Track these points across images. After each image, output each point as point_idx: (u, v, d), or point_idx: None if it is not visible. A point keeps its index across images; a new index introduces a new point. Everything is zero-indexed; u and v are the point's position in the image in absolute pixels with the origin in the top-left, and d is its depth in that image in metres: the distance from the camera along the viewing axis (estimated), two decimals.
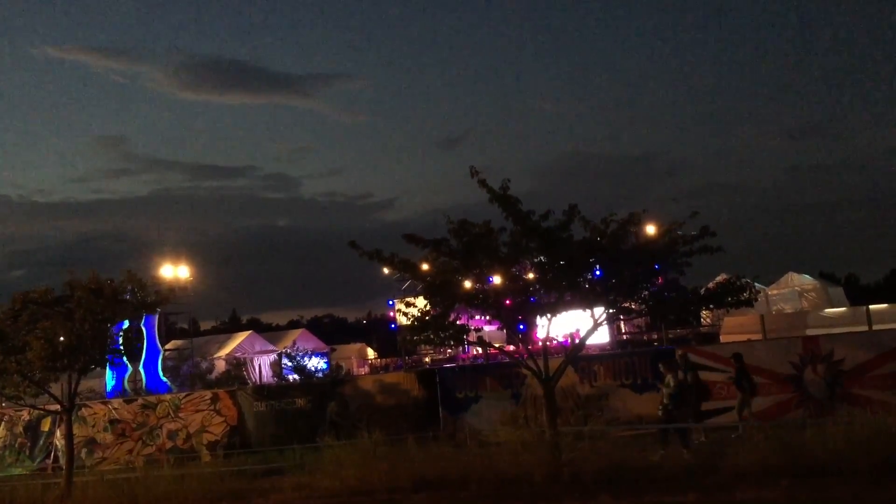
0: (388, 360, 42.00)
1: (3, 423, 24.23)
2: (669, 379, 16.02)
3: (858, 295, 47.11)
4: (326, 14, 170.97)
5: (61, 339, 16.41)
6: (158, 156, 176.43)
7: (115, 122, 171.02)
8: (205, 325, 70.34)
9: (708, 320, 33.31)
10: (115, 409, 23.32)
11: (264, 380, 36.67)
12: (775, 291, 38.36)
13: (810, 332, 24.78)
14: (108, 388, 30.03)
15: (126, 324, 23.96)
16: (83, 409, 23.11)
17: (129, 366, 29.77)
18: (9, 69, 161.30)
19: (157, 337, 31.30)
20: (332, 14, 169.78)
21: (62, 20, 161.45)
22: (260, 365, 39.66)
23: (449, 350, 34.54)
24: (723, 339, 26.98)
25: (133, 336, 28.04)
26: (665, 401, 15.94)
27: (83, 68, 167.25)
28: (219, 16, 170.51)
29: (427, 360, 37.04)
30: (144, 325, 29.39)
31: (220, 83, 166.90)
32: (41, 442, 23.58)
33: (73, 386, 17.62)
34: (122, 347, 19.75)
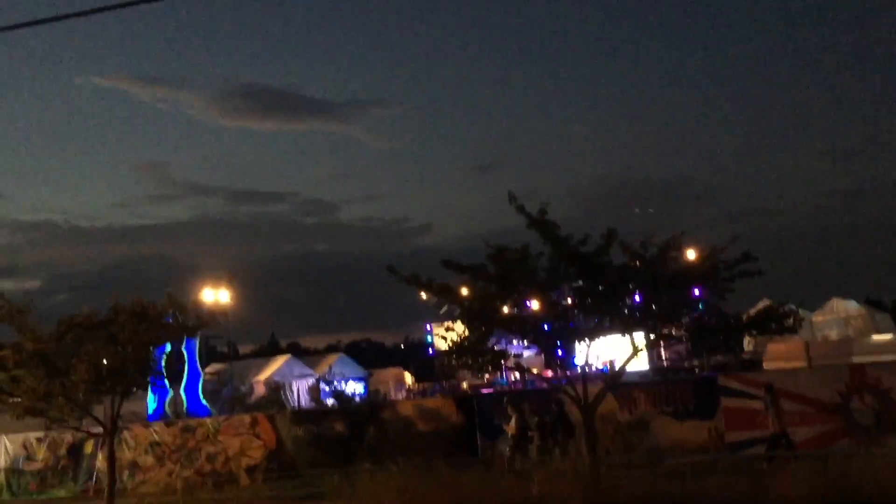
0: (426, 384, 41.88)
1: (45, 444, 24.59)
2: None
3: None
4: (362, 41, 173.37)
5: (105, 362, 16.65)
6: (199, 181, 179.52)
7: (157, 149, 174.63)
8: (244, 349, 70.84)
9: (750, 347, 32.73)
10: (156, 431, 23.54)
11: (302, 404, 36.79)
12: (819, 318, 37.64)
13: (856, 359, 24.23)
14: (150, 410, 30.33)
15: (168, 347, 24.28)
16: (125, 432, 23.35)
17: (170, 389, 30.08)
18: (54, 99, 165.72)
19: (197, 360, 31.58)
20: (368, 41, 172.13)
21: (105, 50, 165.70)
22: (298, 389, 39.82)
23: (487, 375, 34.35)
24: (766, 366, 26.52)
25: (175, 359, 28.38)
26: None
27: (126, 96, 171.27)
28: (258, 44, 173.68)
29: (465, 385, 36.88)
30: (185, 348, 29.69)
31: (260, 110, 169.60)
32: (84, 464, 23.83)
33: (115, 409, 17.84)
34: (164, 370, 19.97)
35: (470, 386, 35.68)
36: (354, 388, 39.56)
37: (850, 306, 38.26)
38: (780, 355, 27.03)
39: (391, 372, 47.55)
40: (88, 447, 23.87)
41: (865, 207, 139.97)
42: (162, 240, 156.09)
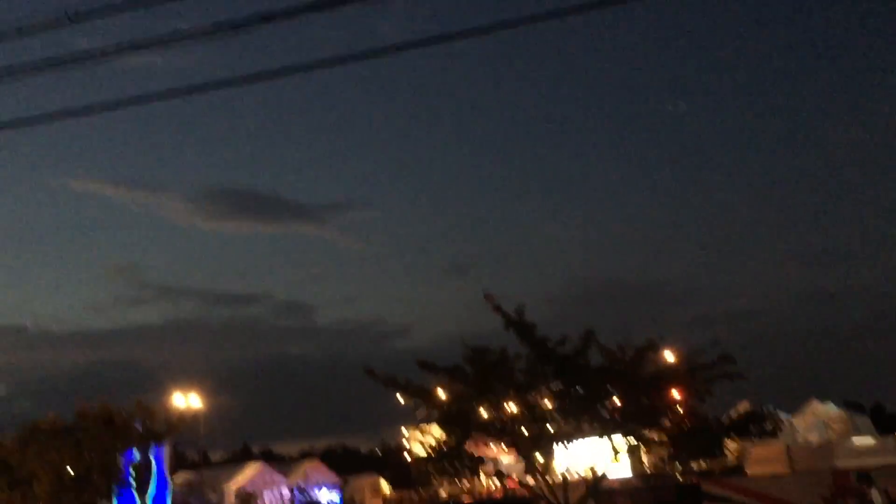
0: (403, 492, 40.73)
1: None
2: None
3: (886, 424, 45.76)
4: (336, 145, 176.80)
5: (69, 470, 16.10)
6: (172, 284, 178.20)
7: (131, 251, 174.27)
8: (215, 456, 68.80)
9: (734, 454, 32.27)
10: None
11: None
12: (800, 421, 37.45)
13: (839, 463, 23.96)
14: None
15: (136, 455, 23.51)
16: None
17: (137, 499, 29.01)
18: (27, 201, 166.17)
19: (166, 468, 30.59)
20: (343, 145, 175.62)
21: (79, 153, 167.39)
22: (270, 500, 38.55)
23: (466, 482, 33.48)
24: (749, 471, 26.11)
25: (142, 467, 27.48)
26: None
27: (100, 198, 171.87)
28: (233, 147, 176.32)
29: (443, 492, 35.89)
30: (154, 455, 28.79)
31: (234, 212, 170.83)
32: None
33: None
34: (131, 478, 19.31)
35: (449, 494, 34.73)
36: (329, 496, 38.35)
37: (830, 409, 38.17)
38: (763, 459, 26.66)
39: (367, 480, 46.22)
40: None
41: (841, 310, 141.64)
42: (133, 344, 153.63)
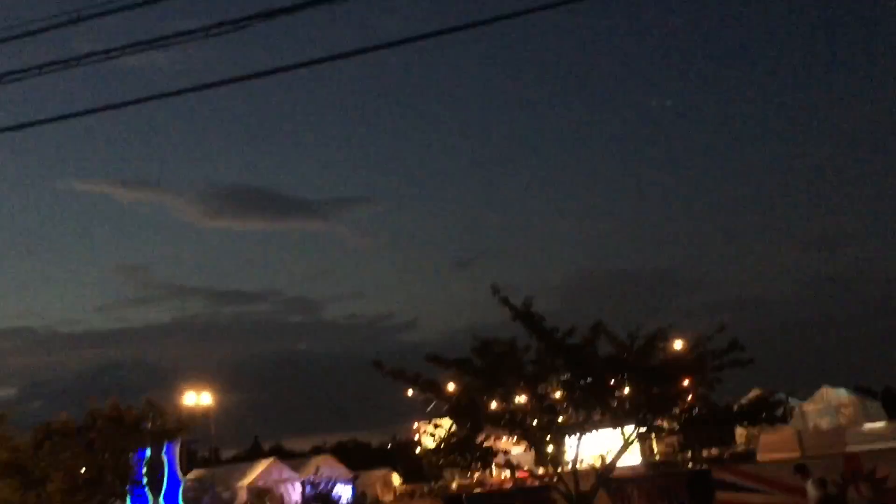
0: (414, 485, 40.86)
1: None
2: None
3: None
4: (342, 141, 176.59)
5: (82, 470, 16.18)
6: (180, 282, 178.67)
7: (138, 251, 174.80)
8: (226, 454, 69.03)
9: (743, 440, 32.33)
10: None
11: None
12: (811, 407, 37.46)
13: (850, 448, 23.95)
14: None
15: (149, 453, 23.64)
16: None
17: (150, 498, 29.15)
18: (34, 203, 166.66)
19: (177, 466, 30.73)
20: (348, 141, 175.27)
21: (86, 154, 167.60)
22: (282, 494, 38.70)
23: (477, 474, 33.60)
24: (760, 457, 26.11)
25: (154, 466, 27.61)
26: None
27: (107, 199, 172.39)
28: (239, 144, 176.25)
29: (454, 485, 36.00)
30: (165, 454, 28.93)
31: (241, 210, 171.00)
32: None
33: None
34: (144, 478, 19.41)
35: (459, 486, 34.84)
36: (341, 491, 38.46)
37: (841, 395, 38.14)
38: (774, 446, 26.69)
39: (378, 473, 46.42)
40: None
41: (852, 295, 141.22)
42: (142, 343, 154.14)
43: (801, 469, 16.45)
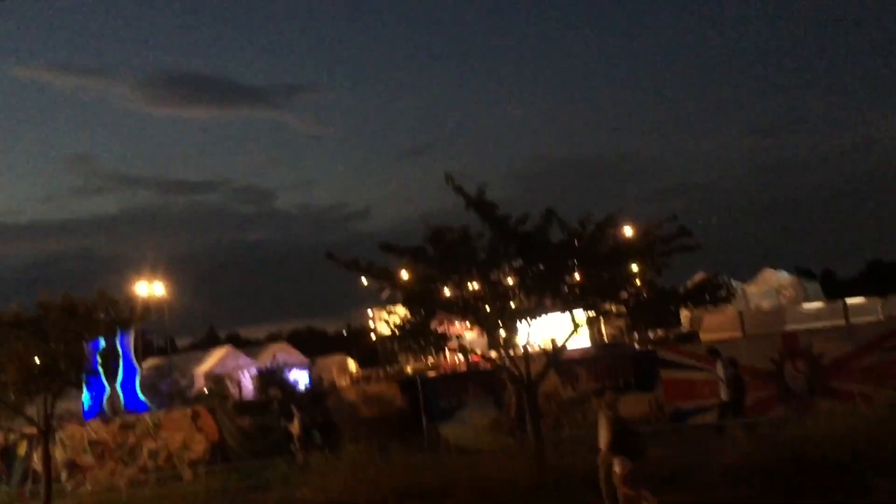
0: (370, 371, 41.75)
1: None
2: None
3: (835, 289, 47.57)
4: (290, 25, 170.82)
5: (36, 360, 16.15)
6: (127, 173, 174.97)
7: (82, 140, 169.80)
8: (182, 342, 69.48)
9: (687, 322, 33.46)
10: (93, 430, 22.95)
11: (245, 395, 36.32)
12: (753, 289, 38.67)
13: (789, 328, 24.96)
14: (86, 408, 29.59)
15: (102, 343, 23.66)
16: (60, 432, 22.70)
17: (106, 386, 29.39)
18: None
19: (132, 355, 30.91)
20: (297, 25, 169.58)
21: (25, 39, 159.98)
22: (240, 380, 39.29)
23: (431, 358, 34.42)
24: (703, 337, 27.10)
25: (109, 355, 27.72)
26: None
27: (48, 86, 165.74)
28: (183, 29, 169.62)
29: (409, 369, 36.86)
30: (120, 343, 29.02)
31: (187, 97, 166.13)
32: (16, 466, 23.14)
33: (48, 408, 17.32)
34: (98, 367, 19.47)
35: (414, 370, 35.69)
36: (298, 376, 39.17)
37: (782, 277, 39.39)
38: (717, 327, 27.67)
39: (334, 359, 47.20)
40: (22, 449, 23.16)
41: (794, 181, 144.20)
42: (91, 234, 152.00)
43: (713, 352, 17.33)
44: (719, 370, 16.80)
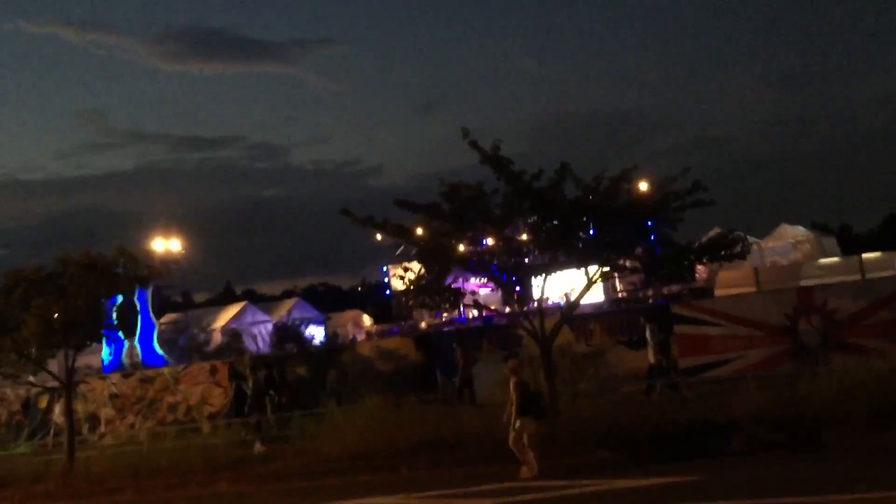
0: (384, 326, 42.08)
1: None
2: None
3: (852, 244, 47.25)
4: None
5: (56, 315, 16.36)
6: (140, 129, 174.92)
7: (95, 96, 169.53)
8: (199, 298, 70.15)
9: (703, 275, 33.41)
10: (113, 384, 23.35)
11: (262, 350, 36.76)
12: (769, 244, 38.47)
13: (804, 283, 24.88)
14: (105, 363, 30.07)
15: (120, 299, 23.93)
16: (81, 385, 23.11)
17: (125, 340, 29.81)
18: None
19: (150, 311, 31.28)
20: None
21: None
22: (257, 335, 39.72)
23: (445, 314, 34.64)
24: (717, 293, 27.10)
25: (127, 310, 28.06)
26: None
27: (59, 42, 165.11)
28: None
29: (423, 324, 37.13)
30: (138, 299, 29.35)
31: (200, 53, 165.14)
32: (39, 419, 23.62)
33: (70, 362, 17.61)
34: (116, 322, 19.72)
35: (429, 325, 35.95)
36: (313, 331, 39.55)
37: (798, 231, 39.15)
38: (731, 282, 27.64)
39: (349, 315, 47.59)
40: (43, 402, 23.62)
41: (812, 134, 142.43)
42: (106, 190, 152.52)
43: (646, 314, 17.77)
44: (648, 335, 17.26)
